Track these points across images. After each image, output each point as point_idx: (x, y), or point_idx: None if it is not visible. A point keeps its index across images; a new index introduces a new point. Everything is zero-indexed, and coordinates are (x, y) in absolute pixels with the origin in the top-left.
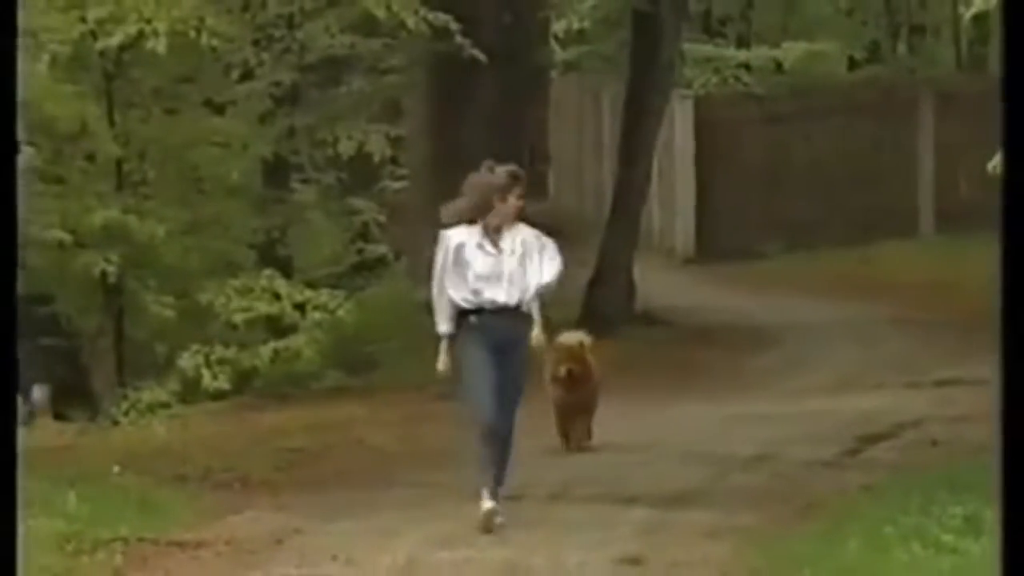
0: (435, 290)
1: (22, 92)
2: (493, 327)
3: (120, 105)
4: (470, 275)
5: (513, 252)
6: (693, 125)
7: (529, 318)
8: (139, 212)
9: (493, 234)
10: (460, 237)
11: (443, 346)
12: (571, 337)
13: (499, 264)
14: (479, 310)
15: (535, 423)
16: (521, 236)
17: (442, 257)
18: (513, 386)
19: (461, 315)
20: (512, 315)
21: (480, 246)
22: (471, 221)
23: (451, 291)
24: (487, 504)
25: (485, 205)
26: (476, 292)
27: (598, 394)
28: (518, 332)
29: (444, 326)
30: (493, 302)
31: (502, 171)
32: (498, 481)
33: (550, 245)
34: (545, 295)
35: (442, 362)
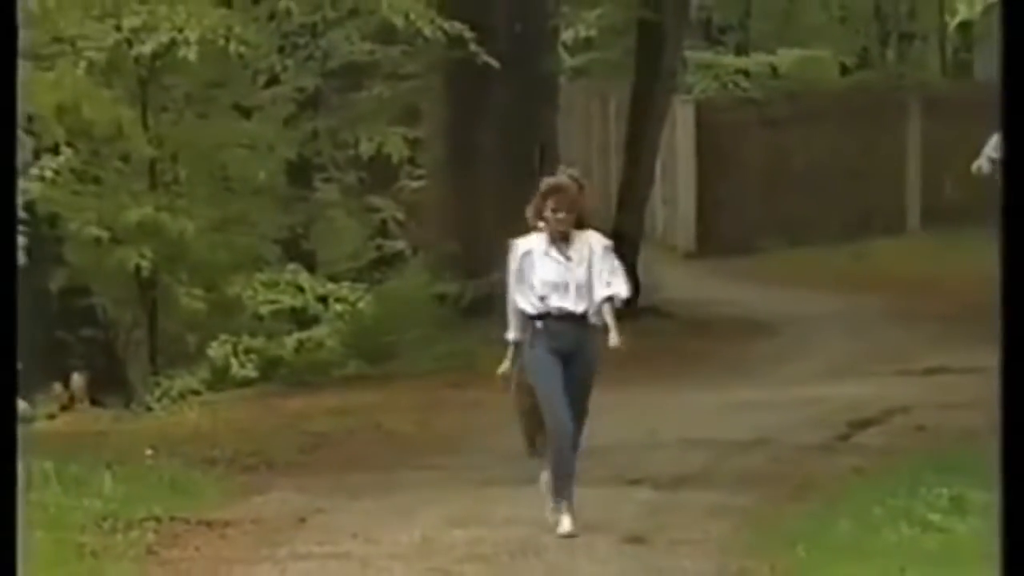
0: (509, 299)
1: (58, 96)
2: (559, 334)
3: (153, 109)
4: (536, 282)
5: (581, 261)
6: (694, 127)
7: (595, 327)
8: (171, 210)
9: (560, 242)
10: (528, 245)
11: (509, 351)
12: None
13: (566, 272)
14: (545, 316)
15: None
16: (590, 245)
17: (512, 265)
18: (581, 395)
19: (528, 321)
20: (578, 323)
21: (547, 253)
22: (535, 228)
23: (518, 298)
24: (566, 525)
25: (537, 213)
26: (542, 299)
27: None
28: (584, 340)
29: (511, 333)
30: (560, 309)
31: (547, 180)
32: (570, 494)
33: (617, 261)
34: (616, 303)
35: (505, 365)
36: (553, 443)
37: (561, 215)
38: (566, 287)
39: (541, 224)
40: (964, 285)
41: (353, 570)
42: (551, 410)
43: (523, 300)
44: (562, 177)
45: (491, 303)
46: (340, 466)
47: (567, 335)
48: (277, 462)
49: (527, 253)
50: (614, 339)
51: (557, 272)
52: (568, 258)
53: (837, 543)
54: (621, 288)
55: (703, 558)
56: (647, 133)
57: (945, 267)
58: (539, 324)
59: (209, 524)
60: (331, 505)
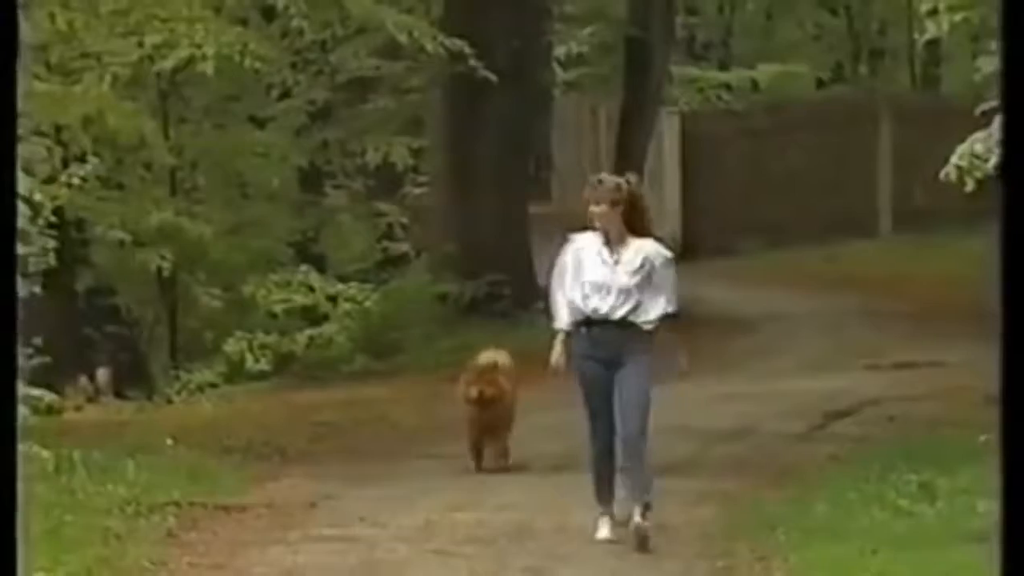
0: (554, 289)
1: (84, 108)
2: (601, 340)
3: (174, 120)
4: (583, 281)
5: (631, 267)
6: (679, 138)
7: (643, 335)
8: (190, 214)
9: (614, 244)
10: (583, 242)
11: (558, 339)
12: (488, 357)
13: (612, 275)
14: (588, 320)
15: (545, 397)
16: (645, 253)
17: (564, 258)
18: (635, 400)
19: (575, 325)
20: (620, 329)
21: (599, 253)
22: (590, 227)
23: (570, 292)
24: (603, 530)
25: (586, 210)
26: (585, 299)
27: (512, 414)
28: (629, 346)
29: (561, 321)
30: (597, 312)
31: (595, 176)
32: (643, 492)
33: (673, 274)
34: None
35: (555, 356)
36: (591, 457)
37: (597, 209)
38: (608, 290)
39: (596, 224)
40: (932, 286)
41: (361, 552)
42: (591, 422)
43: (572, 296)
44: (605, 174)
45: (489, 302)
46: (348, 455)
47: (610, 342)
48: (289, 451)
49: (580, 250)
50: (682, 360)
51: (602, 273)
52: (616, 261)
53: (814, 526)
54: (673, 306)
55: (688, 541)
56: (635, 143)
57: (914, 269)
58: (583, 330)
59: (225, 509)
60: (340, 491)
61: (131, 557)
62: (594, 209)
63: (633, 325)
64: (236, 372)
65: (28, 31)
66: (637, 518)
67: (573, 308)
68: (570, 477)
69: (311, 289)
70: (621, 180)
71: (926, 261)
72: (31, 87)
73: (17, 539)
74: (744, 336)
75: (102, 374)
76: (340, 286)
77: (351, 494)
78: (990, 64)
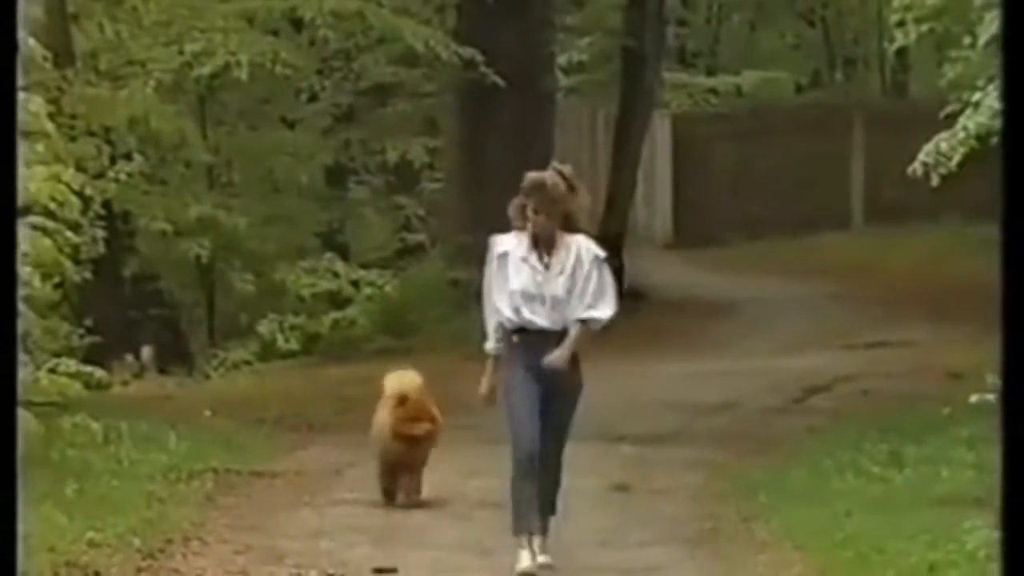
0: (484, 305)
1: (130, 111)
2: (536, 351)
3: (212, 122)
4: (512, 291)
5: (562, 271)
6: (671, 138)
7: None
8: (226, 207)
9: (543, 246)
10: (506, 245)
11: (488, 365)
12: (409, 381)
13: (543, 283)
14: (521, 330)
15: None
16: (578, 253)
17: (489, 266)
18: (559, 425)
19: (507, 334)
20: (556, 340)
21: (525, 259)
22: (520, 227)
23: (498, 304)
24: (524, 562)
25: (519, 212)
26: (516, 310)
27: (433, 445)
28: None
29: (490, 343)
30: (532, 323)
31: (530, 176)
32: (543, 518)
33: (607, 275)
34: (593, 328)
35: (484, 384)
36: (514, 474)
37: (541, 218)
38: (541, 300)
39: (526, 224)
40: (901, 273)
41: (381, 515)
42: (515, 435)
43: (501, 307)
44: (547, 173)
45: None
46: (370, 426)
47: (542, 352)
48: (316, 423)
49: (503, 255)
50: (556, 355)
51: (532, 282)
52: (547, 267)
53: (793, 491)
54: (604, 311)
55: (679, 504)
56: (631, 143)
57: (884, 258)
58: (515, 339)
59: (259, 475)
60: (362, 459)
61: (173, 519)
62: (540, 220)
63: (564, 336)
64: (268, 351)
65: (81, 40)
66: (541, 557)
67: (504, 319)
68: (567, 446)
69: (336, 275)
70: (566, 178)
71: (895, 251)
72: (83, 92)
73: (17, 501)
74: (729, 318)
75: (146, 352)
76: (362, 272)
77: (372, 462)
78: (953, 70)
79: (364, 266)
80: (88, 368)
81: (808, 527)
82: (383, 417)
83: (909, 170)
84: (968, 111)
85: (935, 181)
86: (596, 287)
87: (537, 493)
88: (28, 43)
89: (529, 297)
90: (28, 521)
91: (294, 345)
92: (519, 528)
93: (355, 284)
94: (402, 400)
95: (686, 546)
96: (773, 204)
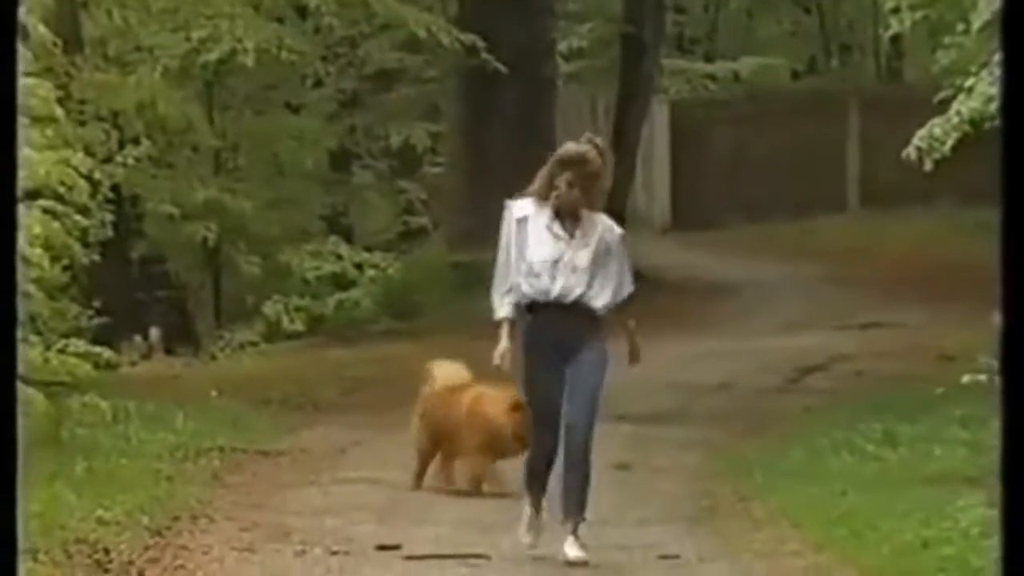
0: (496, 272)
1: (138, 96)
2: (551, 327)
3: (218, 107)
4: (530, 259)
5: (587, 244)
6: (669, 124)
7: (597, 321)
8: (232, 191)
9: (566, 216)
10: (525, 210)
11: (503, 331)
12: (458, 374)
13: (567, 252)
14: (537, 302)
15: None
16: (601, 229)
17: (505, 232)
18: (584, 401)
19: (520, 308)
20: (572, 314)
21: (548, 227)
22: (543, 196)
23: (512, 273)
24: (525, 538)
25: (547, 182)
26: (536, 278)
27: None
28: (582, 335)
29: (502, 309)
30: (547, 294)
31: (569, 146)
32: (573, 516)
33: (626, 254)
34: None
35: (498, 353)
36: (529, 458)
37: (575, 192)
38: (563, 269)
39: (549, 194)
40: (895, 256)
41: (385, 493)
42: (538, 423)
43: (515, 276)
44: (587, 147)
45: None
46: (374, 406)
47: (560, 330)
48: (321, 402)
49: (523, 220)
50: (636, 353)
51: (556, 250)
52: (572, 236)
53: (789, 469)
54: (631, 287)
55: (678, 482)
56: (630, 128)
57: (879, 241)
58: (529, 312)
59: (264, 454)
60: (366, 438)
61: (180, 497)
62: (575, 195)
63: (587, 310)
64: (273, 332)
65: (89, 27)
66: (574, 551)
67: (517, 290)
68: None
69: (340, 258)
70: (600, 151)
71: (890, 234)
72: (92, 77)
73: (17, 479)
74: (726, 300)
75: (154, 333)
76: (366, 255)
77: (376, 441)
78: (947, 57)
79: (368, 249)
80: (97, 349)
81: (804, 505)
82: (494, 414)
83: (903, 154)
84: (961, 96)
85: (928, 165)
86: (628, 267)
87: (563, 493)
88: (38, 30)
89: (551, 265)
90: (38, 499)
91: (299, 326)
92: (531, 489)
93: (359, 266)
94: (518, 406)
95: (685, 524)
96: (770, 188)
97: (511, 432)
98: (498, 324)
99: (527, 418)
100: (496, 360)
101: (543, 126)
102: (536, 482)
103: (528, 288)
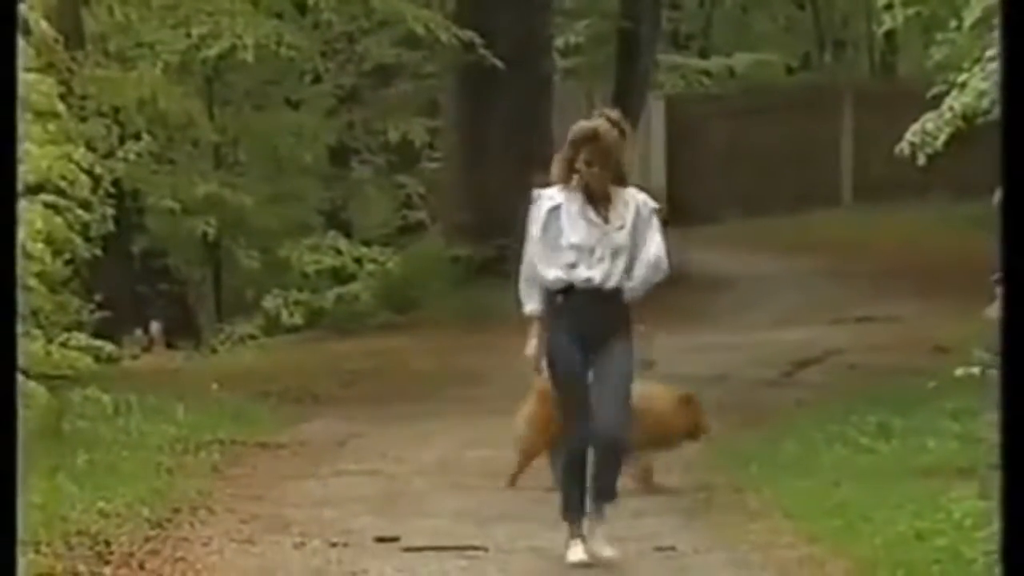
0: (524, 263)
1: (139, 92)
2: (586, 313)
3: (218, 102)
4: (564, 245)
5: (623, 226)
6: (665, 119)
7: (627, 306)
8: (232, 186)
9: (599, 199)
10: (556, 199)
11: (533, 327)
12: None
13: (603, 237)
14: (569, 290)
15: None
16: (634, 206)
17: (535, 222)
18: (617, 392)
19: (550, 295)
20: (606, 300)
21: (581, 213)
22: (565, 181)
23: (541, 266)
24: (576, 554)
25: (567, 166)
26: (569, 267)
27: None
28: (615, 321)
29: (531, 304)
30: (587, 282)
31: (580, 124)
32: (600, 504)
33: (658, 223)
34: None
35: (530, 346)
36: (562, 460)
37: (595, 170)
38: (600, 255)
39: (571, 179)
40: (889, 249)
41: (383, 484)
42: (564, 417)
43: (546, 268)
44: (598, 121)
45: (496, 263)
46: (373, 399)
47: (596, 315)
48: (320, 395)
49: (555, 209)
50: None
51: (592, 236)
52: (607, 220)
53: (784, 462)
54: (665, 265)
55: (674, 473)
56: None
57: (873, 234)
58: (560, 299)
59: (264, 446)
60: (365, 431)
61: (180, 489)
62: (595, 172)
63: (620, 294)
64: (273, 325)
65: (91, 23)
66: (606, 550)
67: (551, 278)
68: None
69: (339, 252)
70: (618, 125)
71: (883, 227)
72: (93, 73)
73: (18, 471)
74: (722, 293)
75: (155, 327)
76: (365, 249)
77: (375, 433)
78: (940, 52)
79: (366, 243)
80: (98, 342)
81: (798, 497)
82: (662, 409)
83: (897, 149)
84: (954, 92)
85: (921, 160)
86: (661, 242)
87: (596, 475)
88: (40, 26)
89: (587, 251)
90: (39, 491)
91: (298, 320)
92: (569, 512)
93: (358, 261)
94: (689, 399)
95: (680, 515)
96: (765, 182)
97: (684, 431)
98: (527, 319)
99: (699, 409)
100: (528, 352)
101: (540, 121)
102: (574, 499)
103: (564, 275)
